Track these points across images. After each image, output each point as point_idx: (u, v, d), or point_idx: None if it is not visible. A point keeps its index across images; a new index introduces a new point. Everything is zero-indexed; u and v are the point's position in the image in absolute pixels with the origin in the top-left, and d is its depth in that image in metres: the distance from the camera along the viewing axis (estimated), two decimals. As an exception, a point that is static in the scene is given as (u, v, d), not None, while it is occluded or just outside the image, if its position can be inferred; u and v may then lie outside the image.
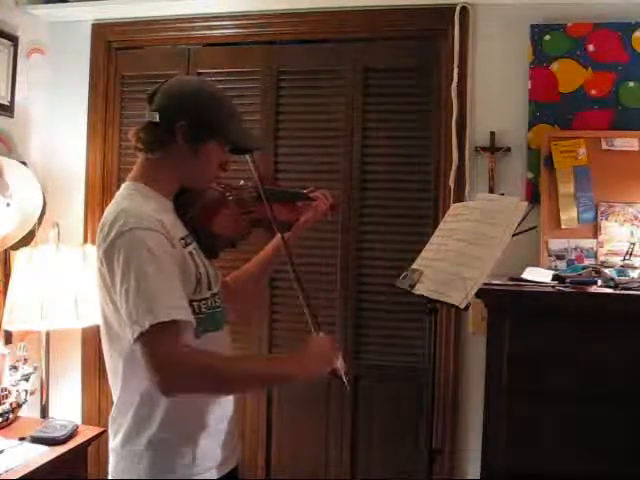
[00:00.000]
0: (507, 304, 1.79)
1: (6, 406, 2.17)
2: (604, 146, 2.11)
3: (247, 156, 1.47)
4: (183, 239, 1.28)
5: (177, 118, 1.25)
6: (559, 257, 2.09)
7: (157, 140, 1.27)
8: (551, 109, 2.18)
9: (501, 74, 2.25)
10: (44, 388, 2.34)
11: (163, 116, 1.26)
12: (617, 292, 1.72)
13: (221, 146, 1.32)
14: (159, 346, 1.10)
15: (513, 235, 1.58)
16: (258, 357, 1.27)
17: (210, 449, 1.31)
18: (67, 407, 2.57)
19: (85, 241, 2.59)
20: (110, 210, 1.23)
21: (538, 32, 2.19)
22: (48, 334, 2.34)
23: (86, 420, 2.56)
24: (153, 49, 2.62)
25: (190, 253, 1.28)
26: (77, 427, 2.16)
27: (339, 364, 1.36)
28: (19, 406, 2.23)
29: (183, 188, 1.35)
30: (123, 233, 1.15)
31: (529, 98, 2.20)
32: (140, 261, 1.13)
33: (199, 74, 2.51)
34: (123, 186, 1.31)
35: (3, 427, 2.14)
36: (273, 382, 1.27)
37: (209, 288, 1.32)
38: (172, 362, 1.10)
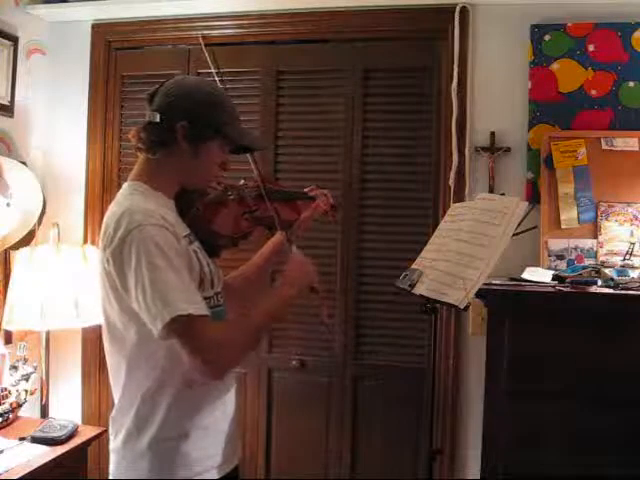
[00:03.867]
0: (507, 304, 1.79)
1: (6, 406, 2.17)
2: (604, 146, 2.11)
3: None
4: (186, 237, 1.28)
5: (177, 118, 1.26)
6: (559, 257, 2.09)
7: (158, 140, 1.27)
8: (551, 109, 2.18)
9: (501, 74, 2.25)
10: (44, 388, 2.34)
11: (163, 116, 1.26)
12: (617, 292, 1.73)
13: (221, 146, 1.32)
14: (192, 336, 1.14)
15: (513, 235, 1.58)
16: (258, 304, 1.33)
17: (211, 449, 1.32)
18: (67, 407, 2.57)
19: (85, 241, 2.58)
20: (113, 210, 1.24)
21: (538, 32, 2.19)
22: (48, 334, 2.34)
23: (86, 420, 2.56)
24: (153, 49, 2.62)
25: (194, 251, 1.28)
26: (77, 427, 2.16)
27: (314, 279, 1.47)
28: (19, 406, 2.22)
29: (184, 188, 1.35)
30: (131, 231, 1.16)
31: (529, 98, 2.20)
32: (151, 257, 1.14)
33: (199, 74, 2.51)
34: (124, 186, 1.31)
35: (3, 427, 2.14)
36: (279, 314, 1.38)
37: (212, 287, 1.33)
38: (210, 347, 1.16)
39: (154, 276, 1.13)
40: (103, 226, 1.23)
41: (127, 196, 1.27)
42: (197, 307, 1.16)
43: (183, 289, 1.16)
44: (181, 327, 1.13)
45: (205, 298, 1.29)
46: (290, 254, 1.46)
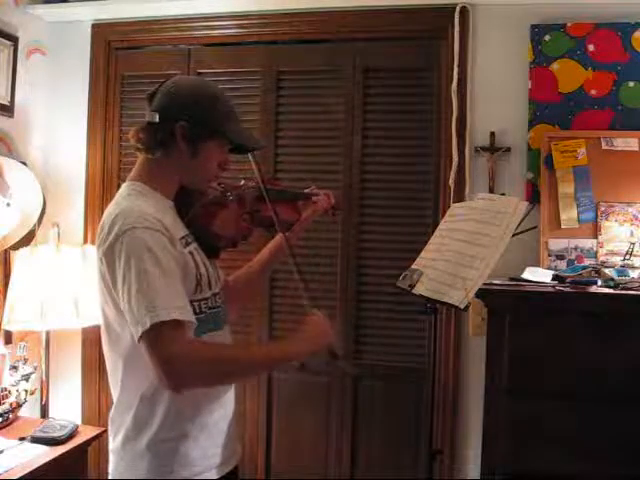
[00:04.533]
0: (507, 304, 1.79)
1: (6, 406, 2.17)
2: (604, 146, 2.11)
3: (250, 155, 1.46)
4: (183, 238, 1.28)
5: (176, 118, 1.25)
6: (559, 257, 2.09)
7: (157, 140, 1.27)
8: (551, 109, 2.18)
9: (501, 74, 2.25)
10: (44, 388, 2.34)
11: (162, 116, 1.26)
12: (617, 292, 1.72)
13: (221, 146, 1.32)
14: (163, 344, 1.10)
15: (513, 235, 1.58)
16: (258, 344, 1.29)
17: (210, 449, 1.32)
18: (67, 407, 2.57)
19: (85, 241, 2.59)
20: (110, 210, 1.24)
21: (538, 32, 2.19)
22: (48, 334, 2.34)
23: (86, 420, 2.56)
24: (153, 49, 2.62)
25: (190, 253, 1.28)
26: (77, 427, 2.16)
27: (334, 343, 1.39)
28: (19, 406, 2.23)
29: (183, 188, 1.35)
30: (124, 232, 1.15)
31: (529, 98, 2.20)
32: (141, 260, 1.13)
33: (199, 74, 2.51)
34: (123, 186, 1.31)
35: (3, 427, 2.14)
36: (275, 366, 1.30)
37: (210, 288, 1.32)
38: (176, 359, 1.10)
39: (141, 280, 1.12)
40: (99, 226, 1.23)
41: (125, 196, 1.26)
42: (182, 312, 1.13)
43: (169, 294, 1.14)
44: (159, 333, 1.10)
45: (203, 299, 1.29)
46: (309, 313, 1.40)
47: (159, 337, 1.10)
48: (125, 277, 1.13)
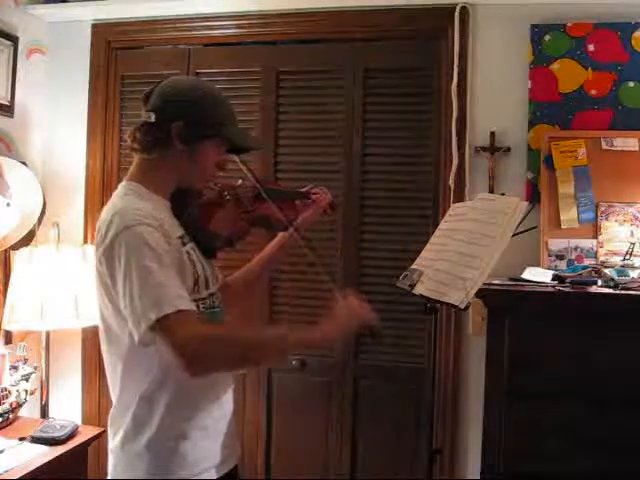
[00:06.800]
0: (507, 304, 1.79)
1: (6, 406, 2.17)
2: (604, 146, 2.11)
3: (236, 158, 1.45)
4: (180, 238, 1.28)
5: (173, 118, 1.25)
6: (559, 257, 2.09)
7: (153, 140, 1.27)
8: (551, 109, 2.18)
9: (501, 74, 2.25)
10: (44, 388, 2.34)
11: (159, 116, 1.26)
12: (617, 292, 1.72)
13: (218, 146, 1.32)
14: (174, 333, 1.12)
15: (513, 235, 1.58)
16: (275, 327, 1.28)
17: (209, 449, 1.32)
18: (67, 407, 2.57)
19: (85, 241, 2.59)
20: (107, 210, 1.24)
21: (538, 32, 2.19)
22: (48, 334, 2.34)
23: (86, 420, 2.56)
24: (153, 49, 2.62)
25: (187, 252, 1.28)
26: (77, 427, 2.16)
27: (369, 320, 1.36)
28: (19, 406, 2.23)
29: (179, 188, 1.35)
30: (122, 231, 1.16)
31: (529, 98, 2.20)
32: (140, 257, 1.14)
33: (199, 74, 2.51)
34: (120, 186, 1.31)
35: (3, 427, 2.14)
36: (290, 351, 1.29)
37: (207, 288, 1.32)
38: (188, 343, 1.12)
39: (143, 276, 1.13)
40: (97, 227, 1.24)
41: (122, 197, 1.27)
42: (184, 302, 1.15)
43: (170, 286, 1.15)
44: (167, 324, 1.11)
45: (200, 299, 1.29)
46: (339, 298, 1.38)
47: (169, 327, 1.11)
48: (126, 275, 1.14)
